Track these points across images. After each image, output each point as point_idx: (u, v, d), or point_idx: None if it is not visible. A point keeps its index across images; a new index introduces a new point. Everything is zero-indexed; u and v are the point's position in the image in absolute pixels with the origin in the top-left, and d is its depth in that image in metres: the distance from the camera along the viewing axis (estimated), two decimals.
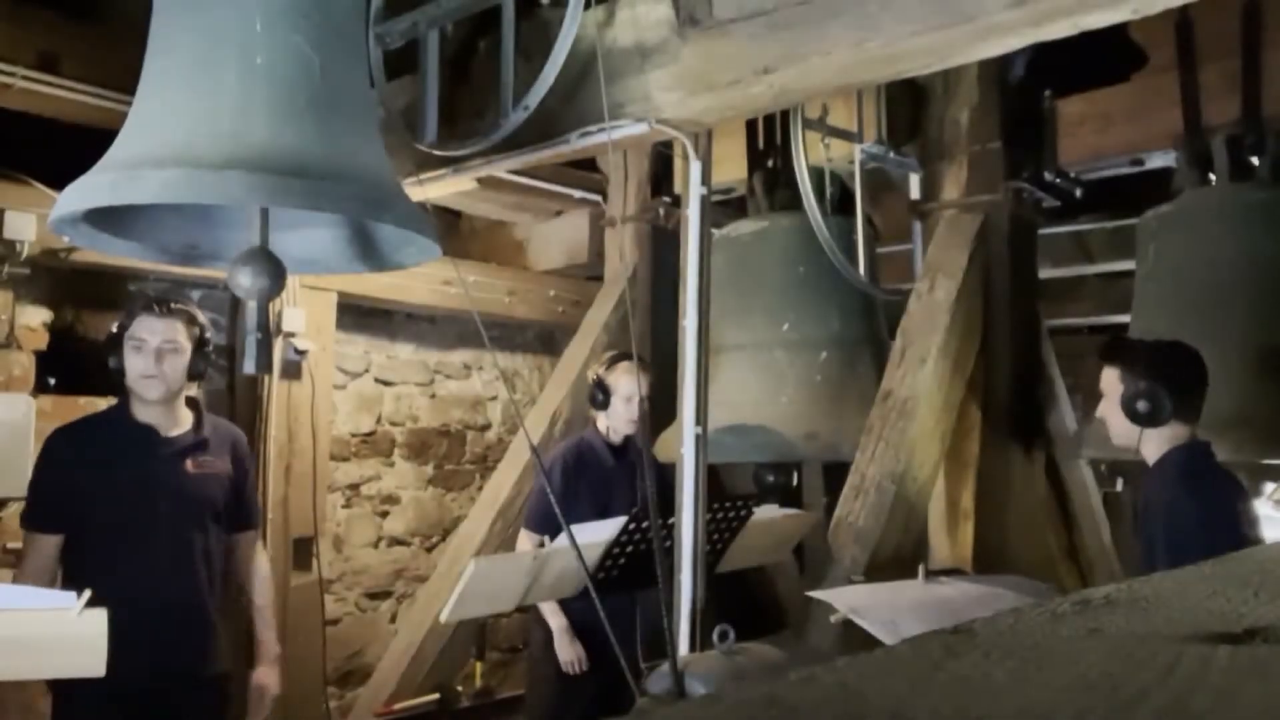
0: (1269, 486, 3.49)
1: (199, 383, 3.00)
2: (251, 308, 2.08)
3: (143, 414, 2.80)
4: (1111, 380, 2.60)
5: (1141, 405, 2.52)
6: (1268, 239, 3.28)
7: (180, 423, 2.86)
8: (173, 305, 2.79)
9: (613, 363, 3.55)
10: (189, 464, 2.84)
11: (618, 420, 3.57)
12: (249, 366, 2.12)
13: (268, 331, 2.13)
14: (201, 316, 2.87)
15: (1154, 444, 2.56)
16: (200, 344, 2.82)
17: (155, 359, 2.72)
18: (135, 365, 2.73)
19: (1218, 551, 2.30)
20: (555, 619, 3.49)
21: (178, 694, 2.74)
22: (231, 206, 2.28)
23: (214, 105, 1.94)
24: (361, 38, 2.34)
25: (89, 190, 1.91)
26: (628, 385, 3.46)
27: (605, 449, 3.61)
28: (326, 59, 2.05)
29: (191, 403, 2.92)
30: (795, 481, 3.86)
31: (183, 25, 2.04)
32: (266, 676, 2.99)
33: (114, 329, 2.76)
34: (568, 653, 3.46)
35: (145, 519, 2.73)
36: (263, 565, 3.10)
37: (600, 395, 3.54)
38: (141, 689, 2.58)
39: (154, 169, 1.84)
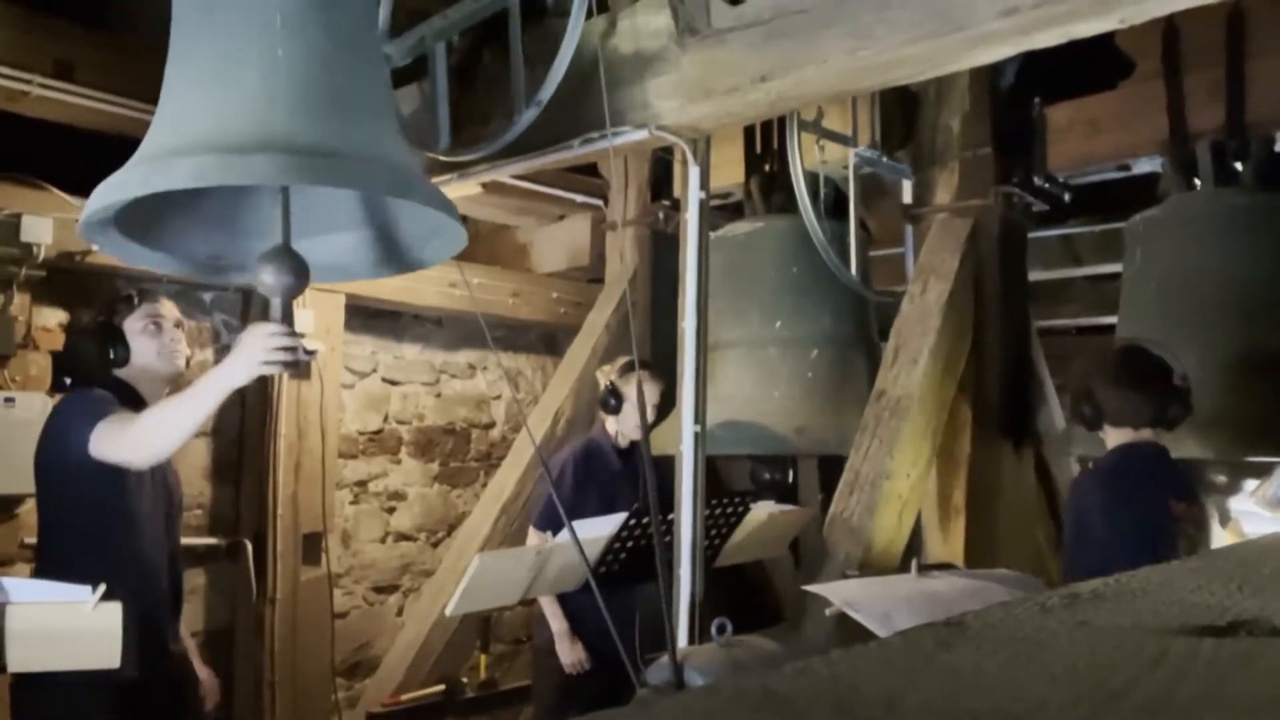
0: (1251, 484, 3.55)
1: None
2: (276, 304, 2.09)
3: (151, 399, 2.78)
4: None
5: (1082, 410, 2.65)
6: (1251, 242, 3.34)
7: None
8: (156, 294, 2.85)
9: (628, 369, 3.56)
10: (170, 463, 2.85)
11: (627, 426, 3.60)
12: None
13: (292, 328, 2.14)
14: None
15: (1109, 443, 2.67)
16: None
17: (174, 331, 2.78)
18: (152, 345, 2.74)
19: (1120, 552, 2.40)
20: (556, 622, 3.54)
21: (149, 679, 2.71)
22: (257, 215, 2.30)
23: (238, 98, 1.96)
24: (377, 32, 2.36)
25: (121, 185, 1.92)
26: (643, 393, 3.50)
27: (613, 452, 3.66)
28: (345, 52, 2.07)
29: None
30: (791, 479, 3.93)
31: (204, 29, 2.06)
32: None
33: (104, 323, 2.73)
34: (569, 655, 3.51)
35: (138, 508, 2.72)
36: None
37: (613, 400, 3.58)
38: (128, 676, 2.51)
39: (185, 157, 1.86)
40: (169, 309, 2.82)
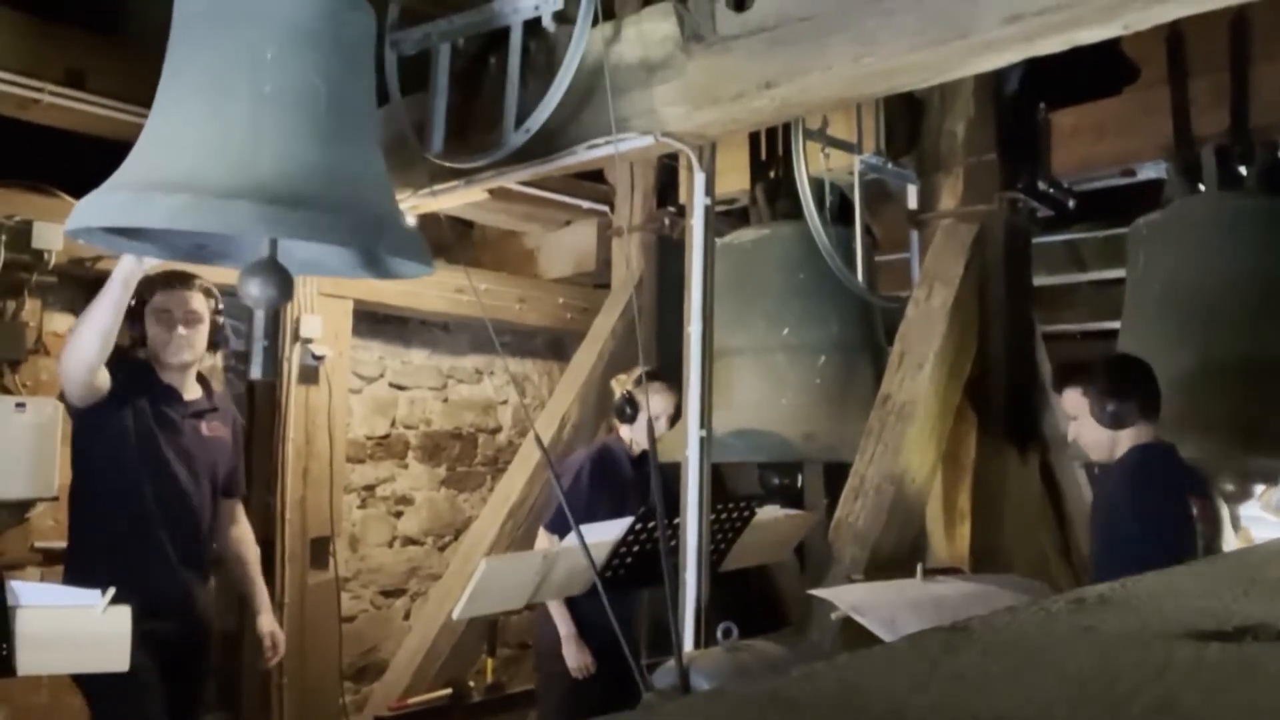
0: (1257, 489, 3.55)
1: (216, 352, 3.19)
2: (260, 316, 2.17)
3: (166, 376, 2.98)
4: (1075, 399, 2.74)
5: (1111, 409, 2.65)
6: (1255, 247, 3.35)
7: (192, 389, 3.05)
8: (186, 278, 2.94)
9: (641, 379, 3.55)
10: (204, 427, 3.04)
11: (642, 435, 3.59)
12: (255, 372, 2.23)
13: (275, 339, 2.22)
14: (214, 290, 3.01)
15: (1120, 446, 2.68)
16: (216, 315, 3.00)
17: (182, 326, 2.91)
18: (161, 335, 2.92)
19: (1152, 546, 2.43)
20: (564, 626, 3.54)
21: (181, 633, 2.91)
22: None
23: (223, 133, 2.01)
24: (370, 64, 2.39)
25: (101, 209, 2.00)
26: (657, 404, 3.52)
27: (626, 459, 3.67)
28: (334, 87, 2.11)
29: (199, 376, 3.10)
30: (800, 484, 3.94)
31: (197, 51, 2.10)
32: (272, 623, 3.24)
33: (133, 302, 2.85)
34: (575, 659, 3.50)
35: (164, 472, 2.90)
36: (248, 528, 3.30)
37: (629, 410, 3.59)
38: (163, 632, 2.73)
39: (164, 194, 1.91)
40: (182, 300, 2.92)
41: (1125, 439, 2.66)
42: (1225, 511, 2.98)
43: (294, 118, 2.05)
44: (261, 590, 3.27)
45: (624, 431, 3.69)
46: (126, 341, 2.96)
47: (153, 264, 2.66)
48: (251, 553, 3.28)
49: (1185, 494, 2.60)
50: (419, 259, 2.22)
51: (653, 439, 2.81)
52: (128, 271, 2.65)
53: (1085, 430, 2.74)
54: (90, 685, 2.78)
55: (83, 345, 2.72)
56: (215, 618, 3.21)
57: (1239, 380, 3.18)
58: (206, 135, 2.02)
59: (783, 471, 3.83)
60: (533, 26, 2.66)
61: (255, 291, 2.12)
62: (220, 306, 3.04)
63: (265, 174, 1.98)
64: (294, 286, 2.20)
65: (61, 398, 2.94)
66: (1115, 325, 3.79)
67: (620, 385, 3.68)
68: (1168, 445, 2.69)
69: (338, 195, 2.05)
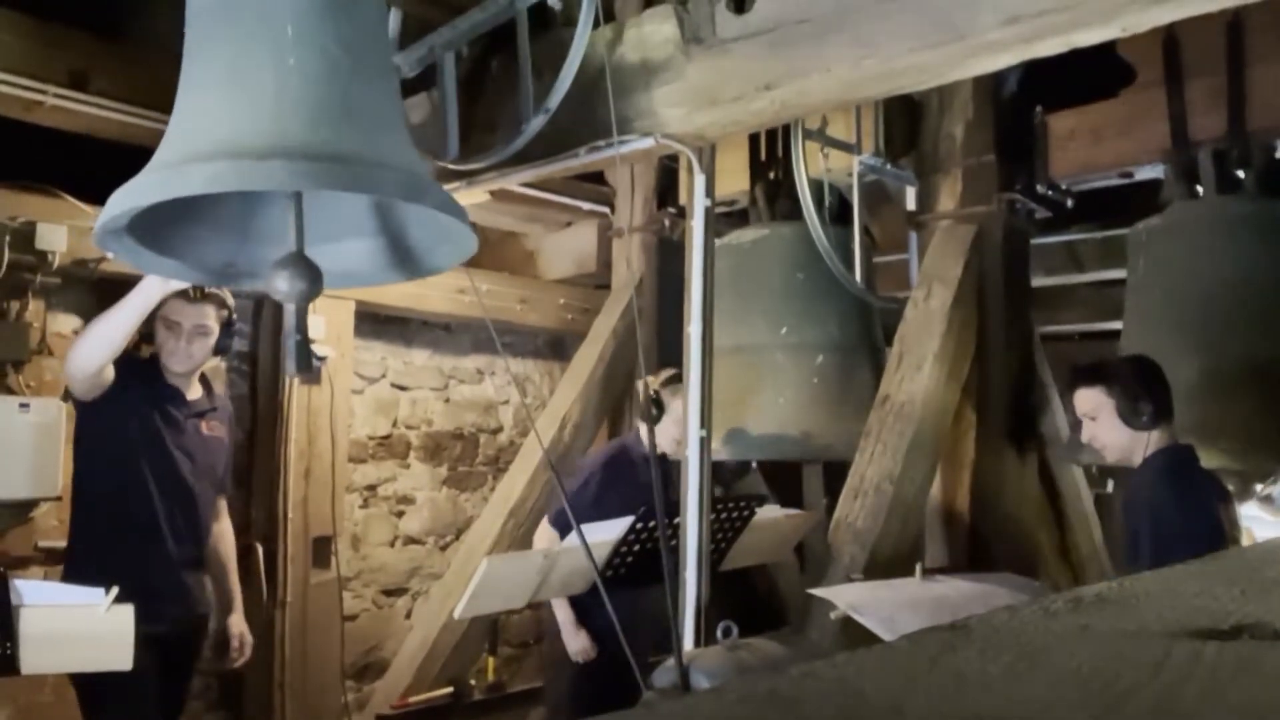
0: (1257, 487, 3.58)
1: (223, 357, 3.26)
2: (290, 311, 2.11)
3: (170, 377, 3.06)
4: (1096, 399, 2.68)
5: (1145, 410, 2.61)
6: (1254, 250, 3.36)
7: (194, 389, 3.14)
8: (206, 291, 2.99)
9: (670, 381, 3.50)
10: (204, 426, 3.12)
11: (663, 439, 3.58)
12: (290, 368, 2.20)
13: (306, 334, 2.19)
14: (230, 299, 3.07)
15: (1143, 448, 2.65)
16: (227, 324, 3.07)
17: (185, 340, 2.98)
18: (166, 343, 3.00)
19: (1199, 545, 2.43)
20: (561, 611, 3.55)
21: (179, 630, 2.99)
22: (268, 223, 2.32)
23: (251, 105, 1.97)
24: (386, 42, 2.39)
25: (138, 191, 1.92)
26: (681, 407, 3.50)
27: (644, 462, 3.66)
28: (355, 61, 2.11)
29: (200, 375, 3.17)
30: (753, 466, 3.96)
31: (217, 33, 2.11)
32: (242, 624, 3.29)
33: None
34: (574, 643, 3.52)
35: (169, 470, 2.98)
36: (229, 527, 3.36)
37: (656, 412, 3.58)
38: (162, 629, 2.76)
39: (201, 163, 1.88)
40: (192, 314, 2.98)
41: (1150, 441, 2.63)
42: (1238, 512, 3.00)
43: (321, 88, 2.01)
44: (236, 589, 3.31)
45: (644, 432, 3.67)
46: (135, 338, 3.00)
47: (177, 286, 2.72)
48: (230, 551, 3.33)
49: (1213, 494, 2.60)
50: (464, 220, 2.13)
51: (653, 440, 2.83)
52: (150, 296, 2.72)
53: (1104, 431, 2.67)
54: (83, 683, 2.79)
55: (87, 352, 2.80)
56: (210, 615, 3.24)
57: (1240, 383, 3.19)
58: (235, 110, 1.98)
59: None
60: (535, 22, 2.66)
61: (284, 286, 2.07)
62: (234, 316, 3.10)
63: (299, 137, 1.95)
64: (323, 280, 2.16)
65: (65, 396, 2.97)
66: (1114, 326, 3.81)
67: (653, 388, 3.65)
68: (1190, 446, 2.67)
69: (374, 154, 2.04)
